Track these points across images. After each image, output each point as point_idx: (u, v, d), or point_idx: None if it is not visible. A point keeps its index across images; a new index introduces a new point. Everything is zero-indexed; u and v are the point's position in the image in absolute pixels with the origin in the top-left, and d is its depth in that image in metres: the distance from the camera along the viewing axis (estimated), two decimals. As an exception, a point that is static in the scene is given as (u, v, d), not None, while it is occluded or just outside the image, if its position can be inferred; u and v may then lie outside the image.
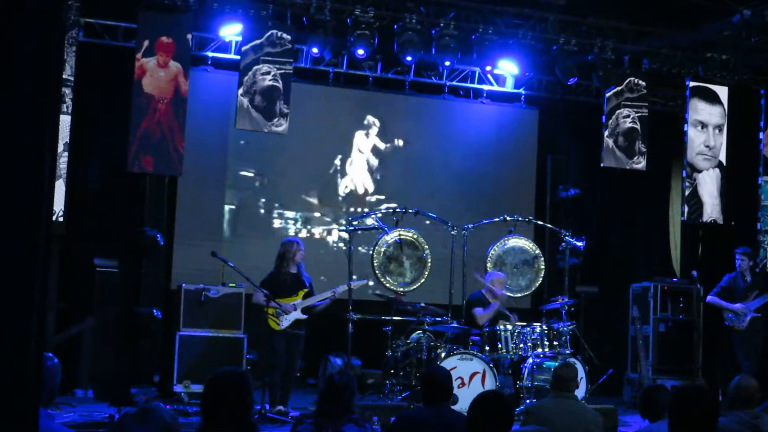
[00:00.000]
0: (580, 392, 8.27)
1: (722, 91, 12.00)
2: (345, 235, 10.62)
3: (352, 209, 12.21)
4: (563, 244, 10.68)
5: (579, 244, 10.56)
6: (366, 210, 11.84)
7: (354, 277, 9.58)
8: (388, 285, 10.26)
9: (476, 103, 12.76)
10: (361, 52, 10.83)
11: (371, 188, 12.47)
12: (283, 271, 9.18)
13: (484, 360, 8.93)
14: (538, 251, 10.80)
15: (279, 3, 10.44)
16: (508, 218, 10.45)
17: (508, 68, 11.65)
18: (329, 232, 12.21)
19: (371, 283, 10.37)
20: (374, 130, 12.53)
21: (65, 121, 9.60)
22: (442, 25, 10.92)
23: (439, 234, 10.78)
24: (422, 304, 9.84)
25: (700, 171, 11.90)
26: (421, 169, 12.62)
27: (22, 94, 2.28)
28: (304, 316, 9.10)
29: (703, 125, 11.93)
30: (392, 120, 12.64)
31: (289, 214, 12.09)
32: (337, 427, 4.70)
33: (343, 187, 12.33)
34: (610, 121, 11.56)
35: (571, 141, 13.27)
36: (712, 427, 3.88)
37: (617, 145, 11.59)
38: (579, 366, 8.88)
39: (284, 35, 10.42)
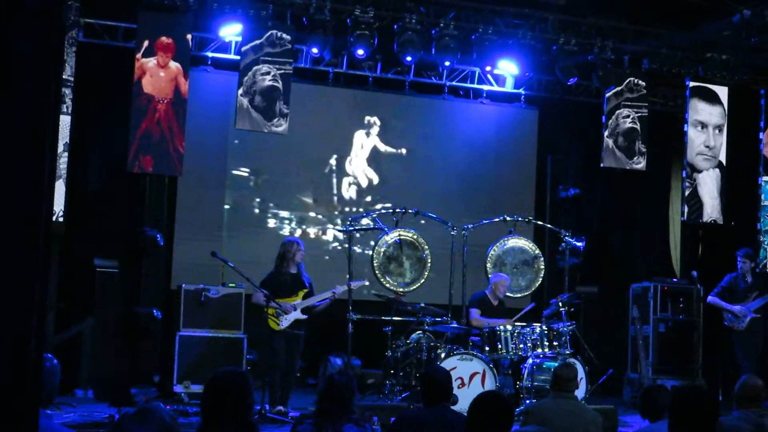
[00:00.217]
0: (580, 392, 8.27)
1: (722, 91, 12.00)
2: (344, 235, 10.60)
3: (352, 209, 12.20)
4: (563, 244, 10.68)
5: (579, 244, 10.56)
6: (363, 210, 11.83)
7: (350, 277, 9.60)
8: (388, 285, 10.26)
9: (476, 103, 12.76)
10: (360, 52, 10.83)
11: (371, 188, 12.46)
12: (283, 272, 9.18)
13: (484, 360, 8.93)
14: (537, 251, 10.80)
15: (279, 3, 10.44)
16: (508, 218, 10.45)
17: (507, 68, 11.65)
18: (324, 232, 12.21)
19: (366, 282, 10.35)
20: (375, 130, 12.53)
21: (65, 121, 9.60)
22: (442, 25, 10.92)
23: (439, 234, 10.77)
24: (422, 305, 9.85)
25: (700, 171, 11.90)
26: (421, 169, 12.62)
27: (22, 94, 2.28)
28: (304, 317, 9.10)
29: (703, 125, 11.93)
30: (392, 120, 12.64)
31: (286, 214, 12.08)
32: (337, 427, 4.70)
33: (345, 186, 12.32)
34: (610, 121, 11.56)
35: (571, 141, 13.26)
36: (712, 427, 3.88)
37: (617, 145, 11.59)
38: (579, 366, 8.88)
39: (284, 35, 10.42)
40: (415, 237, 10.41)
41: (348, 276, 9.64)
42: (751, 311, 10.54)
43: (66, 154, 9.70)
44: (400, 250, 10.29)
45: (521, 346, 9.23)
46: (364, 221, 10.76)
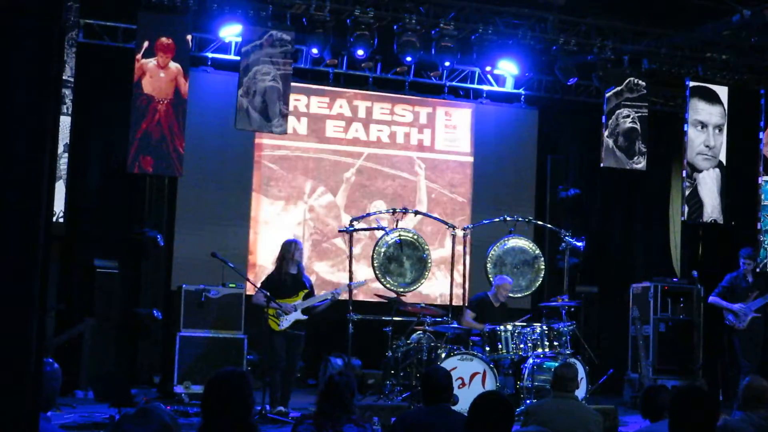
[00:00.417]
0: (581, 392, 8.26)
1: (722, 91, 12.01)
2: (344, 235, 10.59)
3: (352, 209, 12.19)
4: (563, 244, 10.68)
5: (579, 244, 10.56)
6: (364, 210, 11.82)
7: (351, 278, 9.60)
8: (388, 285, 10.26)
9: (476, 104, 12.76)
10: (360, 52, 10.83)
11: (371, 188, 12.45)
12: (283, 272, 9.18)
13: (485, 360, 8.93)
14: (537, 251, 10.79)
15: (279, 3, 10.45)
16: (508, 218, 10.45)
17: (507, 68, 11.65)
18: (324, 232, 12.19)
19: (367, 283, 10.35)
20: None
21: (65, 121, 9.60)
22: (441, 25, 10.92)
23: (439, 234, 10.78)
24: (422, 305, 9.84)
25: (700, 171, 11.90)
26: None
27: (22, 94, 2.28)
28: (305, 317, 9.10)
29: (703, 125, 11.93)
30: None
31: (290, 210, 12.07)
32: (337, 427, 4.70)
33: (345, 186, 12.31)
34: (610, 121, 11.56)
35: (571, 141, 13.26)
36: (712, 427, 3.87)
37: (617, 145, 11.59)
38: (579, 366, 8.88)
39: (284, 36, 10.42)
40: (415, 237, 10.41)
41: (348, 277, 9.64)
42: (751, 311, 10.54)
43: (66, 154, 9.71)
44: (400, 250, 10.28)
45: (522, 346, 9.23)
46: (365, 221, 10.75)
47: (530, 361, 9.13)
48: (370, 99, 12.41)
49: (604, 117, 11.56)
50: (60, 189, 9.42)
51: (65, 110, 9.61)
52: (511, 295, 10.28)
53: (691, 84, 11.86)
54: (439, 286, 11.90)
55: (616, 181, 12.80)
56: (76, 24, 10.01)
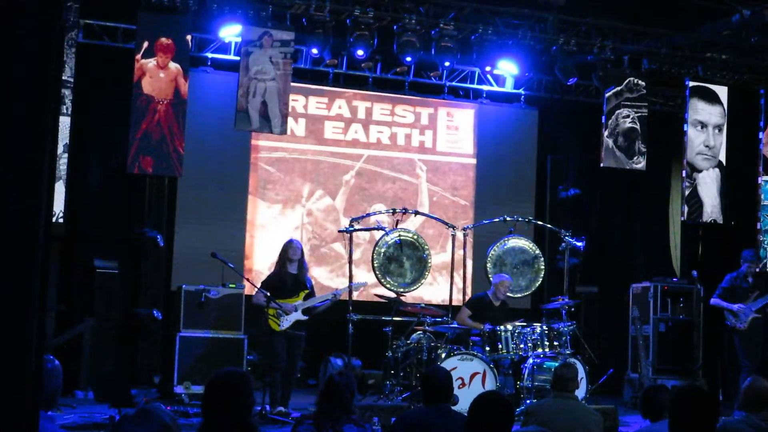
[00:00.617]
0: (581, 392, 8.26)
1: (722, 91, 12.01)
2: (343, 240, 10.59)
3: (352, 210, 12.18)
4: (563, 244, 10.68)
5: (579, 244, 10.56)
6: (363, 210, 11.82)
7: (355, 278, 9.60)
8: (388, 286, 10.26)
9: (478, 104, 12.76)
10: (360, 52, 10.84)
11: (371, 188, 12.45)
12: (283, 272, 9.18)
13: (485, 360, 8.93)
14: (537, 251, 10.79)
15: (279, 4, 10.45)
16: (508, 218, 10.45)
17: (507, 68, 11.66)
18: (324, 232, 12.18)
19: (367, 284, 10.35)
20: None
21: (65, 122, 9.60)
22: (441, 25, 10.92)
23: (440, 238, 10.77)
24: (422, 305, 9.83)
25: (700, 171, 11.91)
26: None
27: (22, 94, 2.28)
28: (305, 317, 9.10)
29: (703, 125, 11.94)
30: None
31: (288, 214, 12.07)
32: (337, 427, 4.70)
33: (345, 186, 12.30)
34: (610, 121, 11.57)
35: (571, 141, 13.26)
36: (712, 427, 3.87)
37: (617, 145, 11.59)
38: (579, 366, 8.87)
39: (284, 36, 10.42)
40: (415, 237, 10.41)
41: (348, 277, 9.65)
42: (752, 311, 10.55)
43: (66, 154, 9.71)
44: (400, 250, 10.28)
45: (522, 346, 9.23)
46: (365, 221, 10.75)
47: (530, 361, 9.13)
48: (370, 99, 12.39)
49: (603, 117, 11.56)
50: (60, 189, 9.42)
51: (65, 110, 9.61)
52: (511, 295, 10.28)
53: (691, 84, 11.86)
54: (440, 292, 11.79)
55: (616, 181, 12.81)
56: (76, 24, 10.01)
